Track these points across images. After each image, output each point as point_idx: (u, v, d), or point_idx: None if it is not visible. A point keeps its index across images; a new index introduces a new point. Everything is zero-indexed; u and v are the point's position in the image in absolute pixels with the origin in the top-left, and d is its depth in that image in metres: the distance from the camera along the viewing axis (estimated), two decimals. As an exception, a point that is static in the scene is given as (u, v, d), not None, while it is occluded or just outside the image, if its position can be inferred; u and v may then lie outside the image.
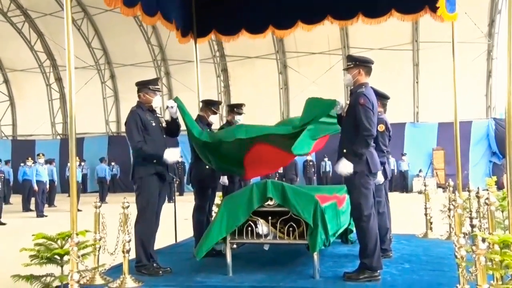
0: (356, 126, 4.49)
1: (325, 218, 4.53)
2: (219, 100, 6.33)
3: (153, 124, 5.07)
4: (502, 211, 5.24)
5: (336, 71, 21.55)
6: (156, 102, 5.16)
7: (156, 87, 5.19)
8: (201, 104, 6.26)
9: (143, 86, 5.18)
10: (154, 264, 5.02)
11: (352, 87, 4.74)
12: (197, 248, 4.91)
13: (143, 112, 5.08)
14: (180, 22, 6.92)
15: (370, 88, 4.69)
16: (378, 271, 4.49)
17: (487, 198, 4.12)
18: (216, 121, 6.22)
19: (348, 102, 4.75)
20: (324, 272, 4.75)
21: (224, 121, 6.82)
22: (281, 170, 20.42)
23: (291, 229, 4.68)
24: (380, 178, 5.20)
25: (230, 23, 7.33)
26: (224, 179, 6.20)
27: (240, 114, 6.44)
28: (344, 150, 4.58)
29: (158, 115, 5.23)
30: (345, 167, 4.51)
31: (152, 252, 5.04)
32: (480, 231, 4.53)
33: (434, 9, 6.02)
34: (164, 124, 5.30)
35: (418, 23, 19.74)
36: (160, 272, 4.91)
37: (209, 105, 6.10)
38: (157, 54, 23.92)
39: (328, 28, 19.62)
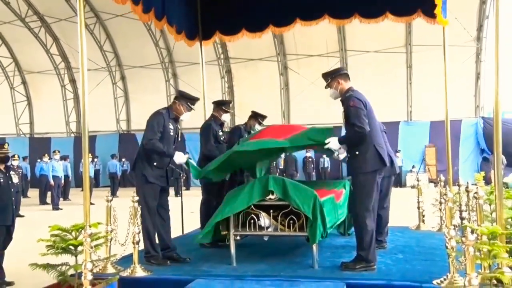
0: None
1: (324, 212, 4.52)
2: (229, 100, 6.39)
3: (171, 133, 5.07)
4: (490, 205, 5.23)
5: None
6: (185, 116, 5.18)
7: (192, 105, 5.18)
8: (213, 106, 6.24)
9: (181, 98, 5.17)
10: (174, 254, 5.04)
11: (340, 97, 4.75)
12: (198, 235, 4.92)
13: (168, 118, 5.06)
14: (187, 26, 6.92)
15: (356, 90, 4.71)
16: (374, 262, 4.48)
17: (475, 192, 4.12)
18: (228, 119, 6.20)
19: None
20: (322, 262, 4.75)
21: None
22: (281, 166, 20.44)
23: (291, 222, 4.68)
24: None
25: (231, 23, 7.32)
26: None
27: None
28: (355, 152, 4.56)
29: (178, 126, 5.23)
30: (334, 144, 4.60)
31: (168, 243, 5.07)
32: (469, 223, 4.52)
33: (426, 13, 6.01)
34: (179, 138, 5.30)
35: (411, 27, 19.72)
36: (168, 262, 4.92)
37: (220, 105, 6.12)
38: (165, 57, 23.91)
39: (327, 32, 19.74)
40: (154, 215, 4.98)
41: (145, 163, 4.97)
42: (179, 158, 5.04)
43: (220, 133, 6.04)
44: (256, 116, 6.73)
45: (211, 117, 6.10)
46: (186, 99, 5.16)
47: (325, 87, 4.86)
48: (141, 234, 4.59)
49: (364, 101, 4.55)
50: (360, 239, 4.50)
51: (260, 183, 4.73)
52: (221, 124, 6.11)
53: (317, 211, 4.49)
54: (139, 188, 4.94)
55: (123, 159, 22.71)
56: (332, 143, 4.63)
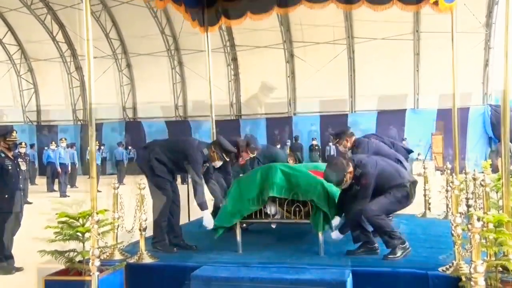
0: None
1: (330, 199, 4.55)
2: (228, 149, 5.69)
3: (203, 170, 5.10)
4: (497, 192, 5.21)
5: (341, 60, 21.40)
6: (216, 164, 5.17)
7: (226, 157, 5.15)
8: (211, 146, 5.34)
9: (219, 147, 5.10)
10: (181, 241, 5.08)
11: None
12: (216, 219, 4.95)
13: (203, 156, 5.04)
14: (193, 11, 6.88)
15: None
16: (404, 244, 4.56)
17: (482, 180, 4.11)
18: (219, 165, 5.35)
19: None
20: (328, 249, 4.77)
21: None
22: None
23: (297, 209, 4.69)
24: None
25: (236, 7, 7.25)
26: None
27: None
28: None
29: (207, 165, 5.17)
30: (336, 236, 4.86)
31: (176, 230, 5.10)
32: (475, 211, 4.52)
33: (434, 2, 5.91)
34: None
35: (419, 14, 19.49)
36: (175, 249, 4.95)
37: (220, 150, 5.21)
38: (171, 44, 23.82)
39: (333, 19, 19.58)
40: (165, 197, 5.00)
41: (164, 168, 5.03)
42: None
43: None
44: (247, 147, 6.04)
45: (203, 151, 5.57)
46: (222, 150, 5.10)
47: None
48: (148, 221, 4.62)
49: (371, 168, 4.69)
50: (381, 234, 4.61)
51: (263, 189, 4.74)
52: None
53: (323, 199, 4.51)
54: (152, 172, 4.98)
55: (129, 147, 22.78)
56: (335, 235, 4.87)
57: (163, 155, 4.97)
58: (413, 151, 6.69)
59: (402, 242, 4.53)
